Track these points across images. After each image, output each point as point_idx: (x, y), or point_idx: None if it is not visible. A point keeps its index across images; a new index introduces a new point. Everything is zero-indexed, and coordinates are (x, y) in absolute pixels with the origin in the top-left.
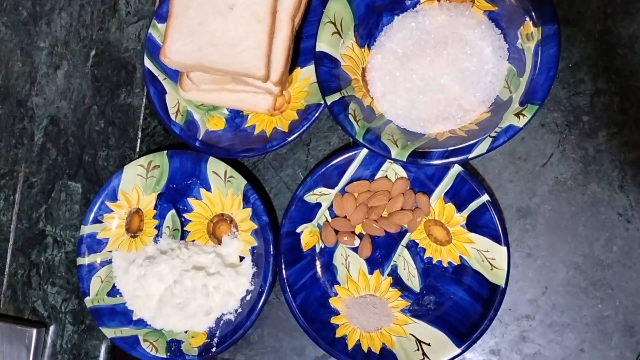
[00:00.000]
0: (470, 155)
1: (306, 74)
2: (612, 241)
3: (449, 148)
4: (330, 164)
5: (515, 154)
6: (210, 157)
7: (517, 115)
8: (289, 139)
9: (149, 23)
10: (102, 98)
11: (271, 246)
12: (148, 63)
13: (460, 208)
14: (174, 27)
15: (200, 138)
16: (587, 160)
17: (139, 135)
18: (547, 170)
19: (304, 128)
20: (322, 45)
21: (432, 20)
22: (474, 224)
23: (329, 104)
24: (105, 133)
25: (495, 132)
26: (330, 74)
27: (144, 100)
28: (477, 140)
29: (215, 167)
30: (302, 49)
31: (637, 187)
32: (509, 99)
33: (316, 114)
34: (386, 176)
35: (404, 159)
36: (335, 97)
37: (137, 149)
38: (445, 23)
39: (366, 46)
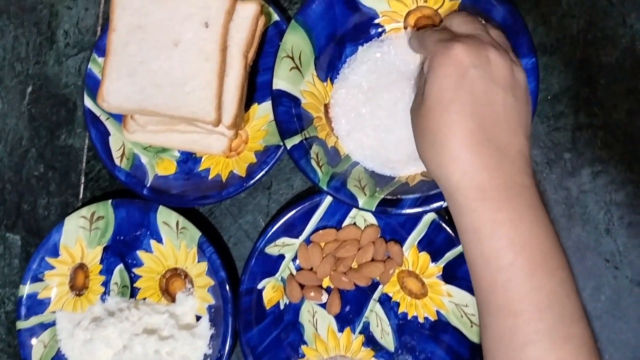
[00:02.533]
0: (445, 203)
1: (264, 110)
2: (600, 290)
3: (422, 195)
4: (293, 212)
5: None
6: (160, 206)
7: None
8: (247, 185)
9: (90, 55)
10: (41, 140)
11: (230, 305)
12: (88, 102)
13: (435, 258)
14: (113, 66)
15: (148, 185)
16: (570, 201)
17: (82, 181)
18: None
19: (263, 172)
20: (279, 83)
21: (399, 50)
22: (451, 275)
23: (288, 148)
24: (45, 178)
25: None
26: (289, 114)
27: (87, 141)
28: None
29: (165, 217)
30: (258, 83)
31: (625, 230)
32: None
33: (276, 156)
34: (354, 223)
35: (373, 209)
36: (296, 140)
37: (81, 196)
38: (413, 53)
39: (329, 80)
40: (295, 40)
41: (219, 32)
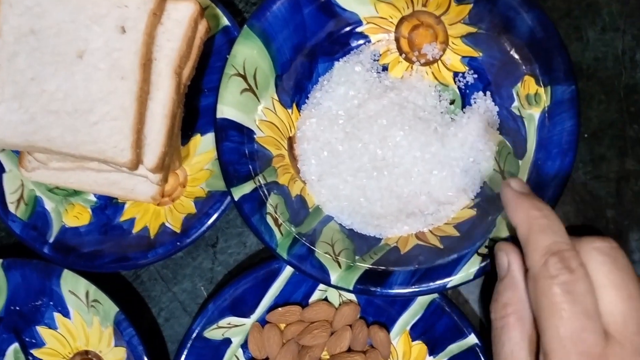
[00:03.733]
0: (451, 283)
1: (209, 143)
2: None
3: (418, 266)
4: (244, 280)
5: None
6: (65, 270)
7: None
8: (183, 244)
9: None
10: None
11: None
12: None
13: (435, 349)
14: None
15: (51, 240)
16: None
17: None
18: None
19: (205, 227)
20: (225, 110)
21: (389, 67)
22: None
23: (236, 199)
24: None
25: (487, 245)
26: (238, 153)
27: None
28: (459, 255)
29: (72, 285)
30: (202, 107)
31: None
32: None
33: (222, 206)
34: (326, 299)
35: (351, 287)
36: (247, 188)
37: None
38: (407, 72)
39: (294, 106)
40: (249, 53)
41: (139, 39)
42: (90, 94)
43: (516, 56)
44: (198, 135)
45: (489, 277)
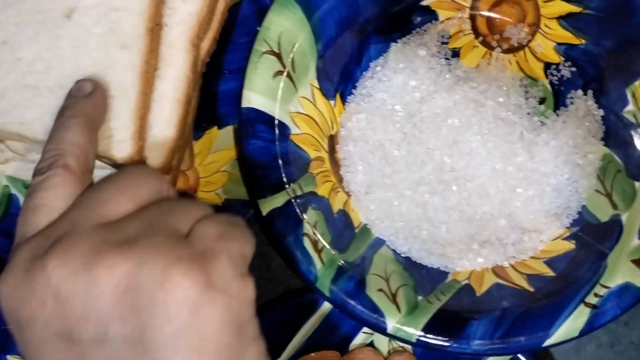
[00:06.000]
0: (549, 341)
1: (228, 139)
2: None
3: (503, 315)
4: (267, 315)
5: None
6: None
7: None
8: None
9: None
10: None
11: None
12: None
13: None
14: None
15: None
16: None
17: None
18: None
19: None
20: (254, 99)
21: (461, 52)
22: None
23: (265, 214)
24: None
25: (599, 294)
26: (269, 154)
27: None
28: (557, 302)
29: None
30: (220, 93)
31: None
32: (614, 221)
33: (246, 217)
34: (372, 344)
35: (414, 339)
36: (278, 200)
37: None
38: (484, 60)
39: (338, 96)
40: (286, 25)
41: None
42: (79, 66)
43: (634, 43)
44: (214, 129)
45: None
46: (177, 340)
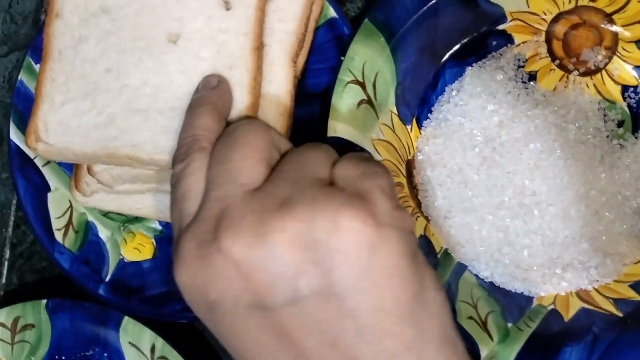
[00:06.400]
0: None
1: None
2: None
3: (594, 341)
4: None
5: None
6: (126, 318)
7: None
8: None
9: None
10: None
11: None
12: (17, 135)
13: None
14: (56, 80)
15: (108, 278)
16: None
17: (7, 256)
18: None
19: None
20: (339, 128)
21: (538, 75)
22: None
23: None
24: None
25: None
26: None
27: (15, 193)
28: None
29: (134, 336)
30: (296, 120)
31: None
32: None
33: None
34: None
35: None
36: None
37: (4, 280)
38: (561, 84)
39: (414, 121)
40: (370, 54)
41: (250, 16)
42: (189, 89)
43: None
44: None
45: None
46: (363, 283)
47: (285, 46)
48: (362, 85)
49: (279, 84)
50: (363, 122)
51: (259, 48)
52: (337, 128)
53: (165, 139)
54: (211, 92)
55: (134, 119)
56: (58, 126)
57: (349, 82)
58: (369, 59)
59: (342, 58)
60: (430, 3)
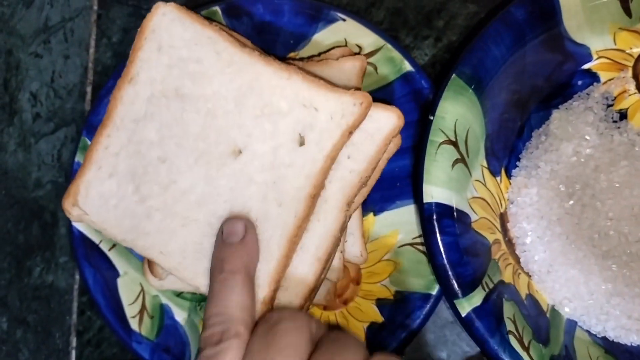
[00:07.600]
0: None
1: (389, 223)
2: None
3: None
4: None
5: None
6: None
7: None
8: None
9: (76, 134)
10: (3, 275)
11: None
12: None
13: None
14: (108, 149)
15: None
16: None
17: (73, 344)
18: None
19: (398, 342)
20: (435, 193)
21: (629, 113)
22: None
23: (464, 315)
24: (12, 340)
25: None
26: (457, 250)
27: (77, 277)
28: None
29: None
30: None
31: None
32: None
33: (423, 313)
34: None
35: None
36: (477, 299)
37: None
38: None
39: (503, 171)
40: (460, 111)
41: (319, 161)
42: (232, 210)
43: None
44: (370, 215)
45: None
46: None
47: (345, 185)
48: (455, 144)
49: (327, 226)
50: (458, 182)
51: (315, 196)
52: (434, 193)
53: (194, 257)
54: (240, 248)
55: (171, 222)
56: (98, 197)
57: (441, 143)
58: (460, 116)
59: (431, 117)
60: (520, 50)
